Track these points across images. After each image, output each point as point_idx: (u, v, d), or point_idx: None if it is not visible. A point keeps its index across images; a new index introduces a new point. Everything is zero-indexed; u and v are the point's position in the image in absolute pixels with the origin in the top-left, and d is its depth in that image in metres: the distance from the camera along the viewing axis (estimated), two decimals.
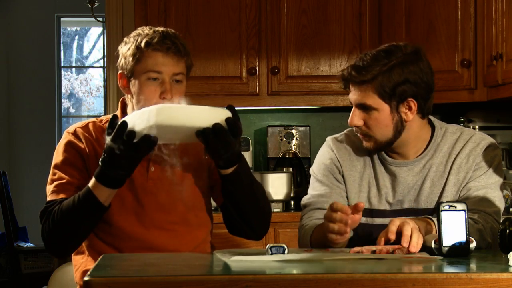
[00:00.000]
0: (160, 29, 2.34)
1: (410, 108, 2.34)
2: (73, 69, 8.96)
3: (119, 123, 2.11)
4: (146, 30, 2.33)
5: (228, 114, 2.14)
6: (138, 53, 2.29)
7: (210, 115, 2.12)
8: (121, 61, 2.35)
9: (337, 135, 2.54)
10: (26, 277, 6.25)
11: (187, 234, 2.37)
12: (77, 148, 2.35)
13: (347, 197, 2.44)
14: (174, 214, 2.35)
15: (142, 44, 2.29)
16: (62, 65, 8.54)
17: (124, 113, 2.39)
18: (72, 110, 8.88)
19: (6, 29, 8.09)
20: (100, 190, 2.19)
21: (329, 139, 2.53)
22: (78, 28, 9.00)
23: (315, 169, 2.52)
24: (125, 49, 2.33)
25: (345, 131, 2.54)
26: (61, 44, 8.51)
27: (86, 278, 1.66)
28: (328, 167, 2.47)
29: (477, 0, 3.84)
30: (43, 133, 8.15)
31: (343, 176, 2.45)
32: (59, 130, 8.32)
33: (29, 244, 6.52)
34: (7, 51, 8.10)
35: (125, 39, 2.37)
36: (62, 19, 8.43)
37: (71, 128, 2.41)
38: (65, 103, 8.74)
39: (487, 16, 3.74)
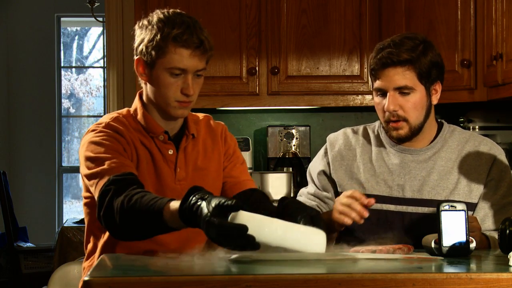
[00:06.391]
0: (185, 18, 2.22)
1: (436, 92, 2.40)
2: (73, 69, 8.94)
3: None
4: (171, 17, 2.21)
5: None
6: (164, 46, 2.19)
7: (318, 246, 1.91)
8: (140, 47, 2.24)
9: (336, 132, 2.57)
10: (26, 277, 6.23)
11: (196, 235, 2.34)
12: (118, 138, 2.20)
13: (337, 190, 2.47)
14: None
15: (169, 38, 2.18)
16: (62, 65, 8.53)
17: (141, 104, 2.31)
18: (72, 110, 8.87)
19: (6, 29, 8.08)
20: (174, 219, 1.95)
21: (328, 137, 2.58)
22: (78, 28, 8.99)
23: (310, 169, 2.58)
24: (147, 37, 2.21)
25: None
26: (61, 44, 8.50)
27: (86, 278, 1.66)
28: (319, 172, 2.53)
29: (477, 0, 3.84)
30: (43, 133, 8.13)
31: (331, 175, 2.49)
32: (59, 130, 8.31)
33: (29, 244, 6.51)
34: (7, 51, 8.09)
35: (144, 22, 2.25)
36: (62, 19, 8.41)
37: (101, 122, 2.26)
38: (65, 103, 8.73)
39: (487, 16, 3.74)
